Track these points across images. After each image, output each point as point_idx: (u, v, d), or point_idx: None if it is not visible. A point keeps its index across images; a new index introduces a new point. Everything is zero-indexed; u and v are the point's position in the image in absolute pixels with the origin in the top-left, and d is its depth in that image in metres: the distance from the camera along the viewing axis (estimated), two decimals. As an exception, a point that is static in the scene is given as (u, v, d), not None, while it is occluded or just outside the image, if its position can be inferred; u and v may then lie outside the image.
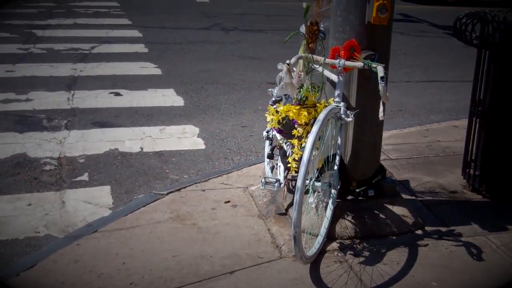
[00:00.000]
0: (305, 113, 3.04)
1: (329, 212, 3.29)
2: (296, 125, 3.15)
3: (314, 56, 3.14)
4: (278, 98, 3.61)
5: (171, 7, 14.31)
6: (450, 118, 6.14)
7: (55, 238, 3.58)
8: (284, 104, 3.38)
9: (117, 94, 6.70)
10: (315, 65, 3.17)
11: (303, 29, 3.79)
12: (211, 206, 3.83)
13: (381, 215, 3.45)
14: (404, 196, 3.80)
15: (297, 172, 3.20)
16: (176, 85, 7.18)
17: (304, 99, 3.13)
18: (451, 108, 6.60)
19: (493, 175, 3.86)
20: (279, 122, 3.16)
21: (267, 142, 4.41)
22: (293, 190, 3.70)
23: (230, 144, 5.31)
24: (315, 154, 3.18)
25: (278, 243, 3.33)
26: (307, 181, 3.14)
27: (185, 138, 5.42)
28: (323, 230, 3.24)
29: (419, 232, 3.47)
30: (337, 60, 3.08)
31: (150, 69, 8.00)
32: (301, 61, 3.72)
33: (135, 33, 10.63)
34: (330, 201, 3.30)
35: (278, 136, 3.91)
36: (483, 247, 3.29)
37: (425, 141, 5.10)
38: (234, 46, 9.80)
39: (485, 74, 3.84)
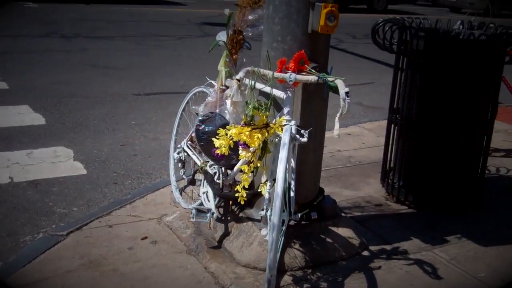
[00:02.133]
0: (259, 135, 2.64)
1: (279, 243, 2.92)
2: (241, 148, 2.74)
3: (261, 70, 2.76)
4: (206, 118, 3.17)
5: (-5, 12, 12.89)
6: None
7: None
8: (217, 126, 2.98)
9: (-40, 113, 5.70)
10: (262, 80, 2.78)
11: (221, 37, 3.39)
12: (127, 245, 3.26)
13: (328, 239, 3.17)
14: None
15: (245, 201, 2.81)
16: (30, 101, 6.29)
17: (250, 119, 2.72)
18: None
19: (417, 185, 3.78)
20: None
21: (173, 164, 3.96)
22: (223, 218, 3.31)
23: (114, 167, 4.70)
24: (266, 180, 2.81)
25: (223, 283, 2.89)
26: (263, 212, 2.76)
27: (60, 162, 4.70)
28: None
29: (365, 253, 3.24)
30: (288, 74, 2.72)
31: (-7, 83, 6.97)
32: (223, 74, 3.33)
33: (-40, 41, 9.31)
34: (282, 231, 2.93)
35: (197, 160, 3.48)
36: (435, 263, 3.15)
37: (325, 151, 4.92)
38: (81, 55, 8.96)
39: (403, 81, 3.75)
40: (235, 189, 2.79)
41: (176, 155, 3.75)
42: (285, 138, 2.53)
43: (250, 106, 2.71)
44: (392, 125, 3.90)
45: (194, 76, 7.93)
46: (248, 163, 2.74)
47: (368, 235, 3.41)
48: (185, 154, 3.72)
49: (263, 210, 2.77)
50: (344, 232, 3.24)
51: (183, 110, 3.95)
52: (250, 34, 3.29)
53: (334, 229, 3.22)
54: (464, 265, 3.15)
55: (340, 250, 3.15)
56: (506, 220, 3.74)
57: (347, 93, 2.57)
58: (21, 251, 3.26)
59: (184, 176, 3.79)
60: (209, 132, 3.12)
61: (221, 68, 3.33)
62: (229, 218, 3.31)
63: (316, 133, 3.04)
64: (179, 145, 3.77)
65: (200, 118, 3.17)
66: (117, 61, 8.69)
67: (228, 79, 2.72)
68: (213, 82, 3.45)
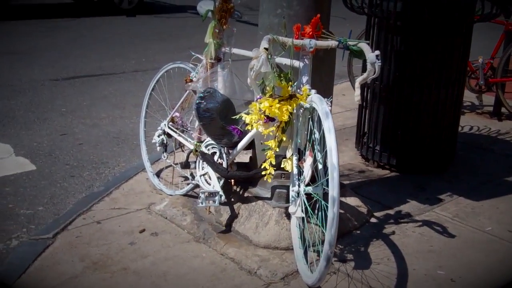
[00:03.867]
0: (288, 106, 2.49)
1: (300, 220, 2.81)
2: (262, 122, 2.58)
3: (280, 38, 2.59)
4: (206, 94, 2.96)
5: None
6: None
7: None
8: (219, 102, 2.82)
9: None
10: (282, 47, 2.62)
11: (202, 7, 3.17)
12: (127, 241, 3.00)
13: (340, 210, 3.09)
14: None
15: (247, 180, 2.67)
16: None
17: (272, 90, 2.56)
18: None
19: (397, 148, 3.80)
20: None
21: (145, 150, 3.71)
22: (225, 200, 3.13)
23: (64, 158, 4.31)
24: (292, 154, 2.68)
25: (250, 268, 2.74)
26: (295, 188, 2.63)
27: (1, 159, 4.24)
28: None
29: (373, 220, 3.22)
30: (307, 40, 2.58)
31: None
32: (212, 47, 3.13)
33: None
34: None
35: (185, 141, 3.28)
36: (442, 222, 3.19)
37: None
38: (-24, 41, 8.19)
39: (376, 44, 3.73)
40: (262, 166, 2.63)
41: (157, 138, 3.49)
42: (324, 107, 2.40)
43: (270, 77, 2.54)
44: (367, 89, 3.88)
45: (108, 56, 7.51)
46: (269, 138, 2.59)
47: (368, 203, 3.38)
48: (166, 136, 3.48)
49: (295, 186, 2.64)
50: (352, 201, 3.19)
51: (153, 89, 3.70)
52: (239, 1, 3.11)
53: (343, 199, 3.16)
54: (468, 221, 3.22)
55: (352, 220, 3.10)
56: (483, 175, 3.86)
57: (377, 56, 2.48)
58: (7, 261, 2.88)
59: (168, 161, 3.55)
60: (211, 109, 2.91)
61: (210, 40, 3.12)
62: (232, 199, 3.14)
63: (326, 102, 2.94)
64: (159, 128, 3.52)
65: (200, 94, 2.94)
66: (19, 45, 8.01)
67: (254, 49, 2.52)
68: (200, 56, 3.23)
